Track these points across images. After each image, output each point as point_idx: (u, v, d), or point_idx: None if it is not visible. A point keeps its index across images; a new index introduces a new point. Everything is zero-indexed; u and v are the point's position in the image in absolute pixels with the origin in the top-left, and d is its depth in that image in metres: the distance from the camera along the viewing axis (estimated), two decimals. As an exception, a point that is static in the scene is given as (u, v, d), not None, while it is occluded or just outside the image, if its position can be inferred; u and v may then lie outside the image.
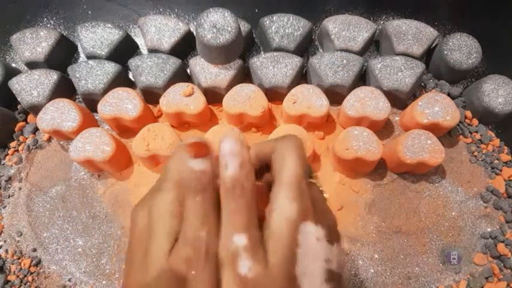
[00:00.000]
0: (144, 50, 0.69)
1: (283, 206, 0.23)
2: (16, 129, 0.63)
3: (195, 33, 0.58)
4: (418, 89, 0.65)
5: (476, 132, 0.63)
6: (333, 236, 0.25)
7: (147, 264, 0.23)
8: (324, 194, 0.29)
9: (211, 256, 0.23)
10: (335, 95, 0.61)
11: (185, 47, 0.66)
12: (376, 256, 0.55)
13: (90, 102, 0.62)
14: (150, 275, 0.23)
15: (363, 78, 0.65)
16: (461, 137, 0.62)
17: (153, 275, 0.22)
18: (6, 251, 0.56)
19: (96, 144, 0.54)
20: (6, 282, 0.54)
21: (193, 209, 0.24)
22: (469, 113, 0.64)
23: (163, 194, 0.25)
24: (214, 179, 0.24)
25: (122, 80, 0.62)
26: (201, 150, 0.24)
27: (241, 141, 0.24)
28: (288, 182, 0.24)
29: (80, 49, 0.69)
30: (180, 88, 0.58)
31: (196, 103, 0.57)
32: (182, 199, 0.24)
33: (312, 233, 0.23)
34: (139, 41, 0.69)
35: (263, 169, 0.28)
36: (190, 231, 0.23)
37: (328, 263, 0.24)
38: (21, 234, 0.57)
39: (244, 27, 0.63)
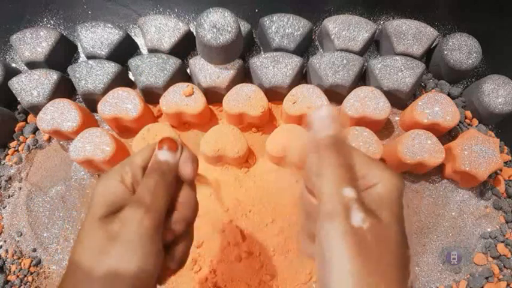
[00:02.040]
0: (144, 50, 0.69)
1: (388, 177, 0.24)
2: (16, 129, 0.63)
3: (195, 33, 0.58)
4: (418, 89, 0.65)
5: (476, 132, 0.63)
6: None
7: (80, 228, 0.27)
8: None
9: (150, 220, 0.25)
10: (335, 95, 0.61)
11: (185, 47, 0.66)
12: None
13: (90, 102, 0.62)
14: (80, 237, 0.26)
15: (363, 78, 0.65)
16: (461, 137, 0.62)
17: (81, 236, 0.26)
18: (6, 251, 0.56)
19: (96, 144, 0.54)
20: (6, 282, 0.54)
21: (145, 183, 0.28)
22: (469, 113, 0.64)
23: (104, 177, 0.29)
24: (174, 172, 0.29)
25: (122, 80, 0.62)
26: (169, 144, 0.30)
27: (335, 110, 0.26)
28: (370, 161, 0.26)
29: (80, 49, 0.69)
30: (180, 88, 0.58)
31: (196, 103, 0.57)
32: (128, 184, 0.28)
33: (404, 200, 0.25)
34: (139, 41, 0.69)
35: None
36: (134, 198, 0.27)
37: None
38: (21, 234, 0.57)
39: (244, 27, 0.63)
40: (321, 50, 0.69)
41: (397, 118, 0.64)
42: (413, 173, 0.60)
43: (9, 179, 0.60)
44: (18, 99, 0.60)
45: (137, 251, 0.25)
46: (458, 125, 0.62)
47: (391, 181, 0.24)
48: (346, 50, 0.63)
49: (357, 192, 0.23)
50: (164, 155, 0.29)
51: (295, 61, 0.60)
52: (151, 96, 0.62)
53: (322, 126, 0.25)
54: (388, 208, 0.23)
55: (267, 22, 0.63)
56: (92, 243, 0.25)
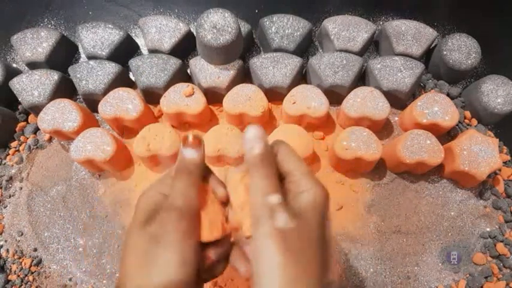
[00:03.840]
0: (144, 50, 0.70)
1: (313, 186, 0.28)
2: (17, 129, 0.63)
3: (195, 33, 0.58)
4: (417, 89, 0.65)
5: (476, 132, 0.63)
6: None
7: (126, 235, 0.29)
8: None
9: (185, 221, 0.28)
10: (335, 95, 0.62)
11: (185, 47, 0.66)
12: (375, 255, 0.56)
13: (91, 103, 0.62)
14: (127, 242, 0.28)
15: (362, 78, 0.65)
16: (460, 137, 0.63)
17: (128, 241, 0.28)
18: (7, 250, 0.56)
19: (96, 144, 0.54)
20: (7, 281, 0.55)
21: (176, 185, 0.29)
22: (468, 113, 0.64)
23: (146, 191, 0.31)
24: (200, 168, 0.31)
25: (122, 80, 0.62)
26: (194, 142, 0.31)
27: (262, 129, 0.29)
28: (306, 171, 0.29)
29: (80, 49, 0.69)
30: (181, 88, 0.58)
31: (196, 103, 0.57)
32: (167, 194, 0.30)
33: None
34: (139, 41, 0.70)
35: None
36: (168, 201, 0.29)
37: None
38: (22, 234, 0.57)
39: (244, 27, 0.63)
40: (321, 51, 0.69)
41: (396, 118, 0.64)
42: (413, 173, 0.60)
43: (10, 178, 0.60)
44: (19, 100, 0.60)
45: (177, 251, 0.27)
46: (457, 125, 0.63)
47: (316, 192, 0.28)
48: (346, 51, 0.63)
49: (282, 198, 0.27)
50: (189, 152, 0.31)
51: (295, 61, 0.60)
52: (151, 96, 0.62)
53: (250, 146, 0.28)
54: (311, 213, 0.27)
55: (267, 23, 0.63)
56: (137, 245, 0.27)
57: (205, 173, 0.33)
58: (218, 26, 0.54)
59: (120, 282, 0.27)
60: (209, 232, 0.30)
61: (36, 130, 0.63)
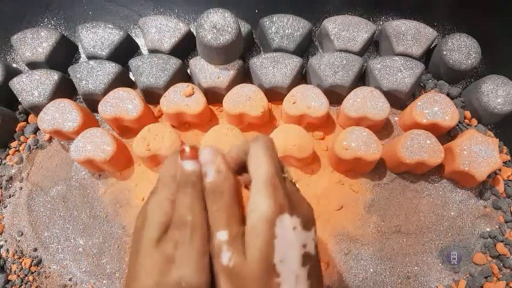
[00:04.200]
0: (144, 50, 0.70)
1: (259, 204, 0.26)
2: (17, 129, 0.63)
3: (195, 33, 0.58)
4: (417, 89, 0.65)
5: (476, 132, 0.63)
6: (308, 223, 0.28)
7: (137, 252, 0.27)
8: (296, 185, 0.31)
9: (197, 237, 0.26)
10: (335, 95, 0.62)
11: (185, 47, 0.66)
12: (375, 255, 0.56)
13: (91, 103, 0.62)
14: (139, 261, 0.26)
15: (362, 78, 0.65)
16: (460, 137, 0.63)
17: (141, 261, 0.26)
18: (7, 250, 0.56)
19: (97, 144, 0.54)
20: (7, 281, 0.55)
21: (182, 200, 0.28)
22: (468, 113, 0.64)
23: (155, 195, 0.29)
24: (201, 178, 0.29)
25: (122, 80, 0.62)
26: (191, 153, 0.29)
27: (216, 150, 0.28)
28: (262, 181, 0.27)
29: (80, 49, 0.69)
30: (181, 88, 0.58)
31: (196, 103, 0.57)
32: (173, 198, 0.28)
33: (287, 224, 0.26)
34: (139, 41, 0.70)
35: (245, 168, 0.30)
36: (177, 217, 0.27)
37: (305, 247, 0.27)
38: (22, 234, 0.57)
39: (244, 27, 0.63)
40: (321, 51, 0.69)
41: (396, 118, 0.64)
42: (413, 173, 0.60)
43: (10, 178, 0.60)
44: (19, 100, 0.60)
45: (193, 270, 0.26)
46: (457, 125, 0.63)
47: (257, 213, 0.26)
48: (346, 51, 0.63)
49: (232, 233, 0.26)
50: (190, 165, 0.29)
51: (295, 61, 0.60)
52: (151, 96, 0.62)
53: (203, 171, 0.28)
54: (253, 243, 0.25)
55: (267, 23, 0.63)
56: (152, 266, 0.26)
57: None
58: (218, 26, 0.54)
59: None
60: None
61: (36, 130, 0.63)
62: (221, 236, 0.26)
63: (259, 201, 0.26)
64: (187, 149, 0.29)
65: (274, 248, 0.25)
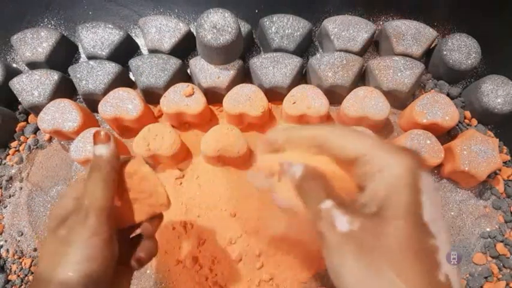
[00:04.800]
0: (144, 50, 0.70)
1: (391, 160, 0.22)
2: (17, 129, 0.63)
3: (195, 33, 0.58)
4: (417, 89, 0.65)
5: (476, 132, 0.63)
6: None
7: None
8: None
9: (91, 218, 0.29)
10: (335, 95, 0.62)
11: (185, 47, 0.66)
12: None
13: (91, 103, 0.62)
14: (42, 248, 0.31)
15: (362, 78, 0.65)
16: (460, 137, 0.63)
17: (42, 247, 0.30)
18: (7, 250, 0.56)
19: (96, 144, 0.54)
20: (7, 281, 0.55)
21: (86, 186, 0.31)
22: (468, 113, 0.64)
23: (61, 197, 0.33)
24: (112, 163, 0.32)
25: (122, 80, 0.62)
26: (105, 138, 0.33)
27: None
28: (375, 145, 0.24)
29: (80, 49, 0.69)
30: (181, 88, 0.58)
31: (196, 103, 0.57)
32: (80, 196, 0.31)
33: (429, 180, 0.23)
34: (139, 41, 0.70)
35: None
36: (76, 204, 0.30)
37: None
38: (22, 234, 0.57)
39: (244, 27, 0.63)
40: (321, 51, 0.69)
41: (396, 118, 0.64)
42: (413, 173, 0.60)
43: (10, 178, 0.60)
44: (19, 100, 0.60)
45: (83, 248, 0.28)
46: (457, 125, 0.63)
47: (394, 167, 0.22)
48: (346, 51, 0.63)
49: (335, 201, 0.23)
50: (98, 149, 0.32)
51: (295, 61, 0.60)
52: (151, 96, 0.62)
53: (291, 173, 0.26)
54: (390, 203, 0.22)
55: (267, 23, 0.63)
56: (49, 249, 0.29)
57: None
58: (218, 26, 0.54)
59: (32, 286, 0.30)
60: (133, 216, 0.33)
61: (36, 130, 0.63)
62: (326, 204, 0.23)
63: (391, 160, 0.22)
64: (102, 133, 0.33)
65: (422, 204, 0.22)
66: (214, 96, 0.61)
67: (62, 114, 0.57)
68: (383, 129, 0.63)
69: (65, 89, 0.62)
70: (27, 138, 0.63)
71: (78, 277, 0.27)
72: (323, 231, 0.23)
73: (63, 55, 0.66)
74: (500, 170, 0.60)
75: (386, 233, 0.21)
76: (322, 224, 0.23)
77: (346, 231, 0.22)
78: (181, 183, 0.58)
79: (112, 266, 0.30)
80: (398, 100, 0.62)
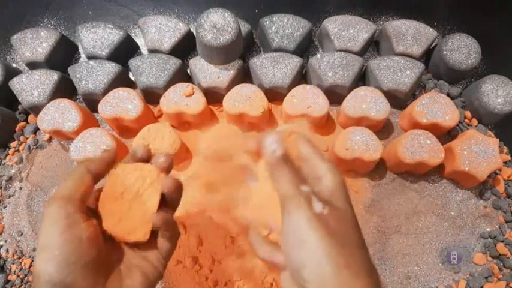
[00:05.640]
0: (144, 50, 0.70)
1: (332, 170, 0.29)
2: (17, 129, 0.63)
3: (195, 33, 0.58)
4: (417, 89, 0.65)
5: (476, 132, 0.63)
6: None
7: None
8: None
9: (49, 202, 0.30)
10: (335, 95, 0.62)
11: (185, 47, 0.66)
12: (375, 255, 0.56)
13: (91, 102, 0.62)
14: None
15: (362, 78, 0.65)
16: (460, 137, 0.63)
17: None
18: (7, 250, 0.56)
19: (96, 144, 0.54)
20: (7, 281, 0.54)
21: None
22: (468, 113, 0.64)
23: None
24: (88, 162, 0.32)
25: (122, 80, 0.62)
26: None
27: (279, 134, 0.31)
28: (320, 155, 0.30)
29: (80, 49, 0.69)
30: (181, 88, 0.58)
31: (196, 103, 0.57)
32: None
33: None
34: (139, 41, 0.70)
35: None
36: None
37: None
38: (21, 234, 0.57)
39: (244, 27, 0.63)
40: (321, 50, 0.69)
41: (396, 118, 0.64)
42: (413, 173, 0.60)
43: (10, 178, 0.60)
44: (19, 100, 0.60)
45: (41, 238, 0.28)
46: (457, 125, 0.62)
47: (335, 174, 0.29)
48: (346, 51, 0.63)
49: (311, 189, 0.28)
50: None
51: (295, 61, 0.60)
52: (151, 96, 0.62)
53: (272, 149, 0.30)
54: (340, 197, 0.28)
55: (267, 22, 0.63)
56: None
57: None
58: (218, 26, 0.54)
59: None
60: (129, 234, 0.32)
61: (36, 130, 0.63)
62: (305, 188, 0.28)
63: (330, 168, 0.29)
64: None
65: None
66: (214, 96, 0.61)
67: (62, 114, 0.57)
68: (383, 129, 0.63)
69: (65, 89, 0.62)
70: (27, 138, 0.63)
71: (39, 263, 0.28)
72: (294, 208, 0.27)
73: (63, 55, 0.66)
74: (500, 170, 0.60)
75: (345, 222, 0.27)
76: (296, 202, 0.27)
77: (319, 212, 0.26)
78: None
79: (81, 256, 0.29)
80: (398, 100, 0.62)
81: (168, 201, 0.35)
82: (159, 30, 0.63)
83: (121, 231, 0.32)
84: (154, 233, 0.34)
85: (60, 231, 0.28)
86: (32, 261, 0.55)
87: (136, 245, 0.33)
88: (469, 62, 0.62)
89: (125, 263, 0.33)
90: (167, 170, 0.34)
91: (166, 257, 0.35)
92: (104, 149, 0.35)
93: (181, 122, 0.62)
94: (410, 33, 0.63)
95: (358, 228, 0.28)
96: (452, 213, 0.58)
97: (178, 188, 0.35)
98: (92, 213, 0.32)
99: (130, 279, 0.31)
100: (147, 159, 0.34)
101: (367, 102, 0.57)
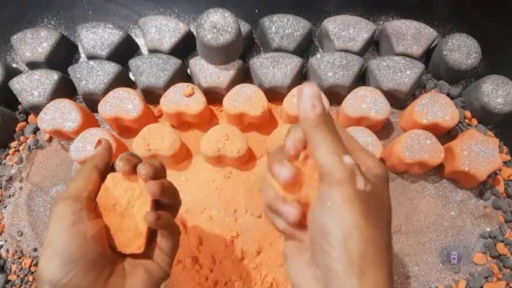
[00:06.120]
0: (144, 50, 0.70)
1: (383, 165, 0.29)
2: (17, 129, 0.63)
3: (195, 33, 0.58)
4: (417, 89, 0.65)
5: (476, 132, 0.63)
6: None
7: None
8: None
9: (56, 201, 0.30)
10: (335, 95, 0.62)
11: (185, 47, 0.66)
12: (375, 256, 0.56)
13: (91, 103, 0.62)
14: None
15: (362, 78, 0.65)
16: (460, 137, 0.63)
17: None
18: (7, 250, 0.56)
19: (96, 144, 0.54)
20: (7, 281, 0.54)
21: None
22: (468, 113, 0.64)
23: None
24: (95, 161, 0.33)
25: (122, 80, 0.62)
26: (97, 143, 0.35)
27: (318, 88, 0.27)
28: (365, 150, 0.30)
29: (80, 49, 0.69)
30: (181, 88, 0.58)
31: (196, 103, 0.57)
32: None
33: None
34: (139, 41, 0.70)
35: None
36: None
37: None
38: (21, 234, 0.57)
39: (244, 27, 0.63)
40: (321, 50, 0.69)
41: (396, 118, 0.64)
42: (413, 173, 0.60)
43: (10, 178, 0.60)
44: (19, 100, 0.60)
45: (53, 236, 0.28)
46: (457, 125, 0.62)
47: (385, 169, 0.28)
48: (346, 50, 0.63)
49: (353, 160, 0.26)
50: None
51: (295, 61, 0.60)
52: (151, 96, 0.62)
53: (310, 104, 0.25)
54: (382, 184, 0.27)
55: (267, 22, 0.63)
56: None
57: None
58: (218, 26, 0.54)
59: None
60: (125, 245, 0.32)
61: (36, 130, 0.63)
62: (349, 160, 0.25)
63: (382, 164, 0.28)
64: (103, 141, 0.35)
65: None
66: (214, 96, 0.61)
67: (62, 114, 0.57)
68: (383, 129, 0.63)
69: (65, 89, 0.62)
70: (27, 138, 0.63)
71: (43, 259, 0.28)
72: (335, 182, 0.24)
73: (63, 55, 0.66)
74: (500, 170, 0.60)
75: (381, 203, 0.27)
76: (338, 176, 0.24)
77: (361, 189, 0.25)
78: (181, 183, 0.58)
79: (86, 252, 0.29)
80: (398, 100, 0.62)
81: (166, 205, 0.34)
82: (159, 30, 0.63)
83: (117, 244, 0.32)
84: (155, 232, 0.34)
85: (65, 228, 0.28)
86: (32, 261, 0.55)
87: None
88: (469, 62, 0.62)
89: (129, 262, 0.32)
90: (152, 177, 0.32)
91: (169, 255, 0.34)
92: (97, 141, 0.34)
93: (181, 122, 0.62)
94: (410, 33, 0.63)
95: (390, 220, 0.27)
96: (452, 213, 0.58)
97: (167, 190, 0.33)
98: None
99: (133, 278, 0.31)
100: (132, 171, 0.32)
101: (367, 102, 0.57)
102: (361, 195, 0.24)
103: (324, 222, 0.25)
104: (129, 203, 0.32)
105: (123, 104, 0.57)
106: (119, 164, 0.32)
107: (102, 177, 0.33)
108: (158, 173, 0.33)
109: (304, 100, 0.25)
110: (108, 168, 0.34)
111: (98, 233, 0.30)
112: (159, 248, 0.34)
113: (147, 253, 0.33)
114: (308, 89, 0.25)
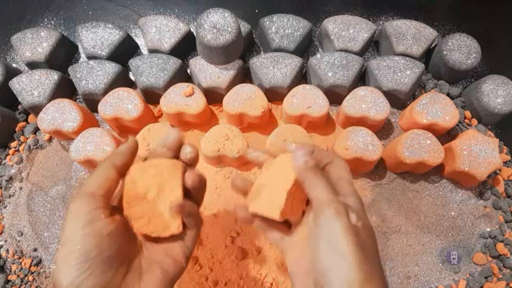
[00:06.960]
0: (144, 50, 0.70)
1: (356, 193, 0.32)
2: (17, 129, 0.63)
3: (195, 33, 0.58)
4: (417, 89, 0.65)
5: (476, 132, 0.63)
6: None
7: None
8: None
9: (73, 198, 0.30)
10: (335, 95, 0.62)
11: (185, 47, 0.66)
12: (375, 256, 0.56)
13: (91, 102, 0.62)
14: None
15: (362, 78, 0.65)
16: (460, 137, 0.63)
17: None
18: (7, 250, 0.56)
19: (96, 144, 0.54)
20: (7, 281, 0.55)
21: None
22: (468, 113, 0.64)
23: None
24: (113, 159, 0.33)
25: (122, 80, 0.62)
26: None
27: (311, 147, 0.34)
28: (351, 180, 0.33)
29: (80, 49, 0.69)
30: (180, 88, 0.58)
31: (196, 103, 0.57)
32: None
33: None
34: (139, 41, 0.70)
35: None
36: None
37: None
38: (21, 234, 0.57)
39: (244, 27, 0.63)
40: (321, 50, 0.69)
41: (396, 118, 0.64)
42: (413, 173, 0.60)
43: (10, 178, 0.60)
44: (19, 100, 0.60)
45: (69, 234, 0.28)
46: (457, 125, 0.63)
47: (359, 197, 0.32)
48: (346, 50, 0.63)
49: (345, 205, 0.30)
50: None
51: (295, 61, 0.60)
52: (151, 96, 0.62)
53: (303, 160, 0.31)
54: (365, 217, 0.31)
55: (267, 22, 0.63)
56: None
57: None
58: (218, 26, 0.54)
59: None
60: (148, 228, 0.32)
61: (36, 130, 0.63)
62: (341, 198, 0.30)
63: (355, 191, 0.32)
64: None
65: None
66: (214, 96, 0.61)
67: (62, 114, 0.57)
68: (383, 129, 0.63)
69: (65, 89, 0.62)
70: (27, 138, 0.63)
71: (60, 256, 0.28)
72: (333, 213, 0.28)
73: (63, 55, 0.66)
74: (500, 170, 0.60)
75: (371, 237, 0.30)
76: (336, 208, 0.28)
77: (355, 224, 0.28)
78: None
79: (102, 247, 0.29)
80: (399, 100, 0.62)
81: (193, 196, 0.35)
82: (159, 30, 0.63)
83: (154, 230, 0.32)
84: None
85: (81, 226, 0.28)
86: (32, 261, 0.55)
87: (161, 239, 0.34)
88: (469, 62, 0.62)
89: (146, 259, 0.33)
90: (194, 161, 0.35)
91: (190, 244, 0.35)
92: (126, 139, 0.34)
93: (181, 122, 0.62)
94: (410, 33, 0.63)
95: (377, 248, 0.30)
96: (452, 213, 0.58)
97: (202, 182, 0.35)
98: (118, 210, 0.32)
99: (149, 275, 0.32)
100: (159, 155, 0.34)
101: (367, 102, 0.57)
102: (355, 230, 0.28)
103: (325, 269, 0.27)
104: (159, 187, 0.32)
105: (123, 104, 0.57)
106: (188, 150, 0.35)
107: (120, 176, 0.33)
108: (197, 160, 0.36)
109: (298, 159, 0.31)
110: (127, 168, 0.33)
111: (114, 230, 0.30)
112: (183, 239, 0.35)
113: (168, 246, 0.34)
114: (300, 151, 0.32)
